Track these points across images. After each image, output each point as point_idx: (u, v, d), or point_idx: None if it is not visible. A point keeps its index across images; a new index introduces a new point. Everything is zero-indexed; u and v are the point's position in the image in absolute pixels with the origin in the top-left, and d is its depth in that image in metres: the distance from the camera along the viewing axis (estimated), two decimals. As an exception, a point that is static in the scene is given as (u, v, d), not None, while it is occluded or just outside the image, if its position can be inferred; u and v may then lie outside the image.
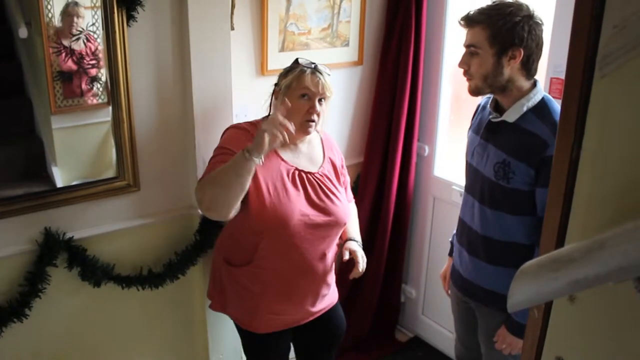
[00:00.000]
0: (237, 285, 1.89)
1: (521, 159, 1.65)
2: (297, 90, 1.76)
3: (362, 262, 1.92)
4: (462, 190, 2.61)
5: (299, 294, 1.89)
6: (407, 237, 2.88)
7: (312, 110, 1.77)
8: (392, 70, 2.58)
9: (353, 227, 2.05)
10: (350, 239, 1.98)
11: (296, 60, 1.82)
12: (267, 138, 1.55)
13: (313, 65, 1.79)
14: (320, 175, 1.87)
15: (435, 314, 2.95)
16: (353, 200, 2.13)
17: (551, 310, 0.89)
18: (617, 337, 0.80)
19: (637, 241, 0.63)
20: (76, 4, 1.75)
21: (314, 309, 1.95)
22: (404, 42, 2.52)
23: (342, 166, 2.01)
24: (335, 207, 1.85)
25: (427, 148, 2.78)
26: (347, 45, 2.51)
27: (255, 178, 1.72)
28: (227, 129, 1.89)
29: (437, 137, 2.75)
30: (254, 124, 1.86)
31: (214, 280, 2.02)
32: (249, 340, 1.99)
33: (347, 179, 2.04)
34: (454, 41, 2.59)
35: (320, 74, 1.78)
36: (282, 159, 1.82)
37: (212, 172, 1.69)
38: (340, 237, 1.96)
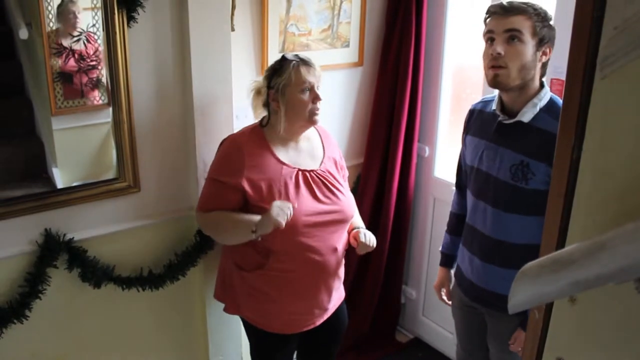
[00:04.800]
0: (252, 289, 1.89)
1: (541, 159, 1.65)
2: (297, 86, 1.77)
3: (365, 237, 1.91)
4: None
5: (314, 291, 1.89)
6: (407, 238, 2.88)
7: (317, 99, 1.80)
8: (393, 71, 2.58)
9: (355, 217, 2.05)
10: (354, 229, 1.98)
11: (283, 58, 1.81)
12: (273, 224, 1.68)
13: (300, 58, 1.80)
14: (323, 171, 1.88)
15: (435, 315, 2.95)
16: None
17: (552, 311, 0.89)
18: (617, 338, 0.80)
19: (637, 242, 0.63)
20: (72, 1, 1.74)
21: (329, 305, 1.95)
22: (404, 43, 2.52)
23: (341, 158, 2.03)
24: (340, 202, 1.87)
25: (427, 149, 2.78)
26: (348, 46, 2.51)
27: (259, 190, 1.77)
28: (224, 141, 1.89)
29: (438, 138, 2.75)
30: (253, 131, 1.86)
31: (223, 283, 2.01)
32: (263, 339, 1.98)
33: (345, 172, 2.04)
34: (454, 42, 2.60)
35: (311, 63, 1.80)
36: (284, 164, 1.82)
37: (213, 218, 1.84)
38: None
